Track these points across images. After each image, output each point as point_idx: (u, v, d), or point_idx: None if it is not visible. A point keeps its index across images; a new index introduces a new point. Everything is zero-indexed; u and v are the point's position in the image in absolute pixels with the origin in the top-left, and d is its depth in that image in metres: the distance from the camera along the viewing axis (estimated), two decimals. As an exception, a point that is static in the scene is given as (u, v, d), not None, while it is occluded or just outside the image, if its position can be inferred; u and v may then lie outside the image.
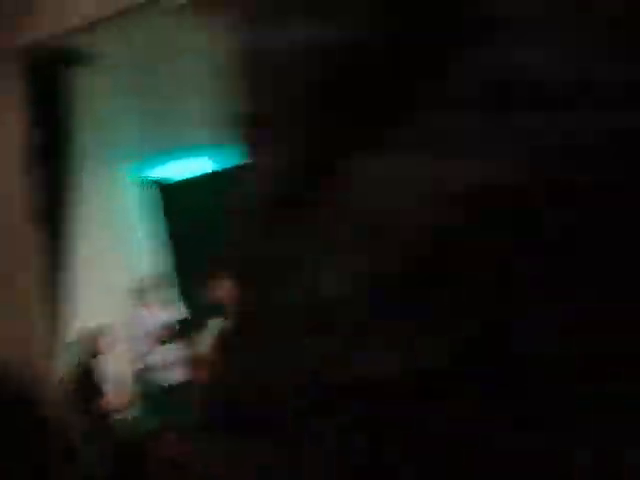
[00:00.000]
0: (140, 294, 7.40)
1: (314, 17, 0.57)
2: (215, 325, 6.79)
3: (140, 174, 8.66)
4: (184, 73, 6.64)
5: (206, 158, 8.53)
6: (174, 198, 8.77)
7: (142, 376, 7.11)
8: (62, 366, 6.20)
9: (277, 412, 0.57)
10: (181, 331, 7.18)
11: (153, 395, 6.99)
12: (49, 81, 6.20)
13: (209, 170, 8.81)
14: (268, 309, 0.59)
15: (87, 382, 6.25)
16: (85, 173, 6.55)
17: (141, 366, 7.13)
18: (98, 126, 6.99)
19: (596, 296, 0.50)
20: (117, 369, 6.81)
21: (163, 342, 7.17)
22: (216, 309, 6.81)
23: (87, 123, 6.52)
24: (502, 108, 0.52)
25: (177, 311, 7.46)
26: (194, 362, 6.70)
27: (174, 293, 7.85)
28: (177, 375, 6.99)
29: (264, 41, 0.59)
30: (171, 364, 7.09)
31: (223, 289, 6.76)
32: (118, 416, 6.46)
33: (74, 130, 6.22)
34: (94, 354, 6.43)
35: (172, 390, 6.93)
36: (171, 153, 8.30)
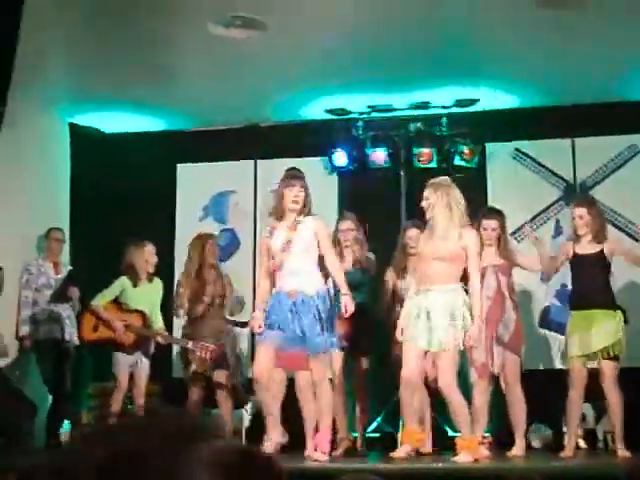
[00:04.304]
0: (46, 244, 7.44)
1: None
2: (118, 286, 6.78)
3: (75, 119, 8.40)
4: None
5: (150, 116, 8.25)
6: (108, 152, 8.49)
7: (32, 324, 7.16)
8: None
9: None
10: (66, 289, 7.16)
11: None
12: None
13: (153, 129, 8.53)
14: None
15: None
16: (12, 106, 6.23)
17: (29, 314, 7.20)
18: (37, 58, 6.75)
19: None
20: None
21: (58, 298, 7.18)
22: (127, 271, 6.77)
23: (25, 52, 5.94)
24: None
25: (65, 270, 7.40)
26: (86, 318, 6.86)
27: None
28: (70, 334, 7.10)
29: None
30: (66, 321, 7.15)
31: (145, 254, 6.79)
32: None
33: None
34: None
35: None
36: (113, 103, 8.00)
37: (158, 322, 6.98)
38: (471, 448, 5.35)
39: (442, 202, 5.46)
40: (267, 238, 5.57)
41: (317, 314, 5.36)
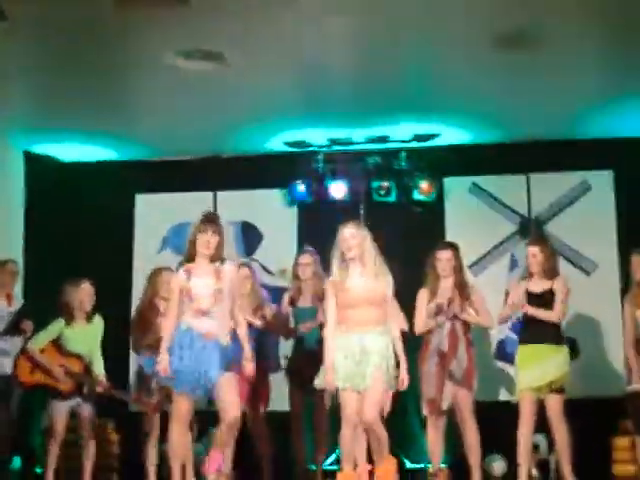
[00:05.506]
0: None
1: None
2: (56, 327, 6.57)
3: (30, 147, 8.34)
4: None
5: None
6: (64, 181, 8.47)
7: None
8: None
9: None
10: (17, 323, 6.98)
11: None
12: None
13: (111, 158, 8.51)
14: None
15: None
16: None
17: None
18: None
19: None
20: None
21: (10, 332, 6.96)
22: (62, 312, 6.58)
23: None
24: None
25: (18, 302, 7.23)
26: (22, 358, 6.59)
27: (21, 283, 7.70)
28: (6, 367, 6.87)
29: None
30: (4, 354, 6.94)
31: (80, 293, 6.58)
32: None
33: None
34: None
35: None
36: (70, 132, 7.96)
37: (98, 367, 6.65)
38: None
39: (369, 242, 5.25)
40: (184, 281, 5.36)
41: (227, 358, 5.27)
